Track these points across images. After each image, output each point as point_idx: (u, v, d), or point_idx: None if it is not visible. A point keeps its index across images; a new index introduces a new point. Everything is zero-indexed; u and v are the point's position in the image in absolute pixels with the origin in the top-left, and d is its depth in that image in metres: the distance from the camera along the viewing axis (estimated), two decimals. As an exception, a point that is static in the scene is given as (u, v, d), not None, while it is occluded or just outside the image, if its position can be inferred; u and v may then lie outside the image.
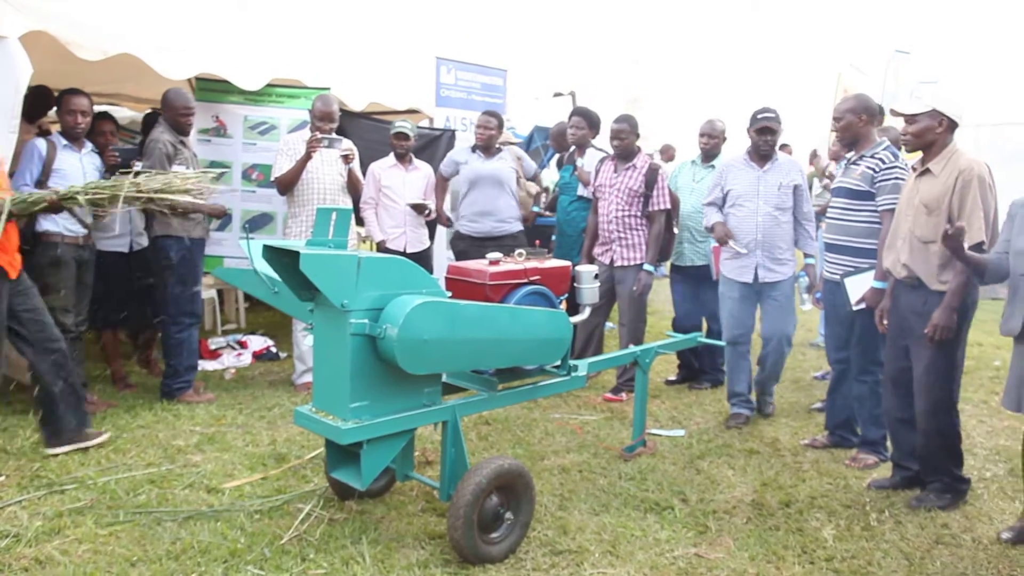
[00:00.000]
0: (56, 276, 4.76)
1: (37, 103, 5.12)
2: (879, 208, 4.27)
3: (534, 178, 6.98)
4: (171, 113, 5.22)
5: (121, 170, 4.84)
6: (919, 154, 3.94)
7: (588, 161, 6.27)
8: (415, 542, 3.36)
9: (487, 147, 6.18)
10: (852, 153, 4.52)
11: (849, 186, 4.42)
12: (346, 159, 5.62)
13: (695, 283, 5.96)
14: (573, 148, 6.56)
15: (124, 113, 7.72)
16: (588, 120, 6.44)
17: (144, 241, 5.42)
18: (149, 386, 5.56)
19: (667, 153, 13.05)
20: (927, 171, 3.82)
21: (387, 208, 6.02)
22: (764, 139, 5.02)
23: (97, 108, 6.82)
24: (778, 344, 5.13)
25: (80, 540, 3.28)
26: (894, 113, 3.94)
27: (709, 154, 5.95)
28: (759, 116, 5.04)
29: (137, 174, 4.67)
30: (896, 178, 4.21)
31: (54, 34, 4.46)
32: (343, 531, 3.43)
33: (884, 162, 4.29)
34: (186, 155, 5.20)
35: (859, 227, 4.39)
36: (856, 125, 4.41)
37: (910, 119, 3.83)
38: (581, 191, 6.35)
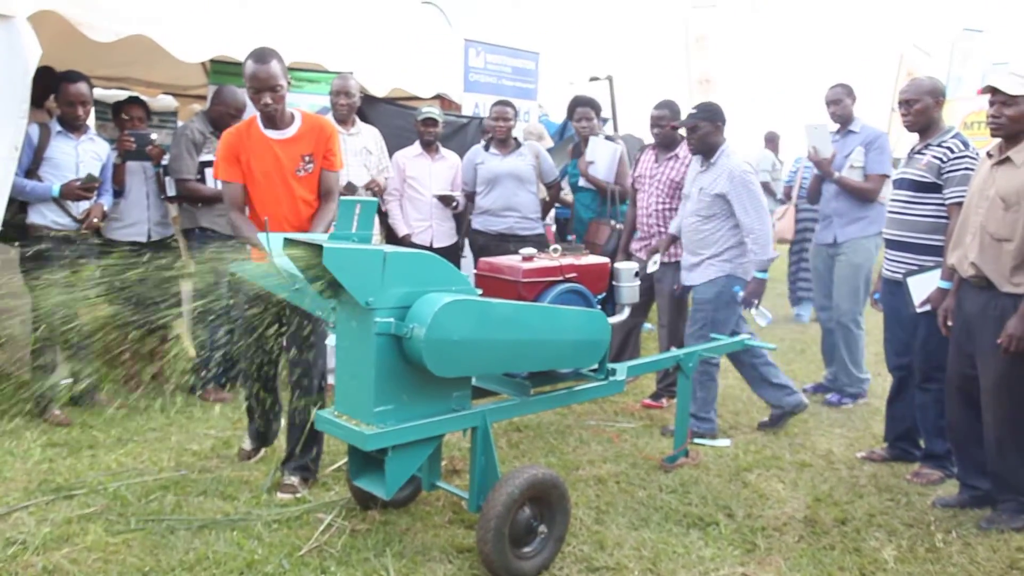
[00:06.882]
0: (47, 272, 4.77)
1: (40, 85, 5.16)
2: (947, 201, 4.19)
3: (552, 186, 6.50)
4: (221, 108, 5.37)
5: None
6: (988, 141, 3.81)
7: (591, 151, 6.30)
8: (442, 555, 3.36)
9: (504, 141, 6.13)
10: (917, 142, 4.43)
11: (913, 177, 4.34)
12: (374, 193, 5.71)
13: None
14: (580, 140, 6.59)
15: (161, 102, 7.77)
16: (595, 109, 6.57)
17: (165, 231, 5.49)
18: (160, 389, 5.60)
19: (772, 143, 11.37)
20: (1007, 160, 3.67)
21: (412, 200, 6.01)
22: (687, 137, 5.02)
23: (106, 92, 6.91)
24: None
25: (90, 548, 3.31)
26: (987, 91, 3.69)
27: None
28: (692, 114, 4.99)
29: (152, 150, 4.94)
30: (966, 168, 4.12)
31: (63, 14, 4.49)
32: (366, 542, 3.44)
33: (953, 151, 4.20)
34: (215, 146, 5.24)
35: (924, 222, 4.31)
36: (932, 109, 4.34)
37: (1009, 100, 3.59)
38: (582, 181, 6.45)
